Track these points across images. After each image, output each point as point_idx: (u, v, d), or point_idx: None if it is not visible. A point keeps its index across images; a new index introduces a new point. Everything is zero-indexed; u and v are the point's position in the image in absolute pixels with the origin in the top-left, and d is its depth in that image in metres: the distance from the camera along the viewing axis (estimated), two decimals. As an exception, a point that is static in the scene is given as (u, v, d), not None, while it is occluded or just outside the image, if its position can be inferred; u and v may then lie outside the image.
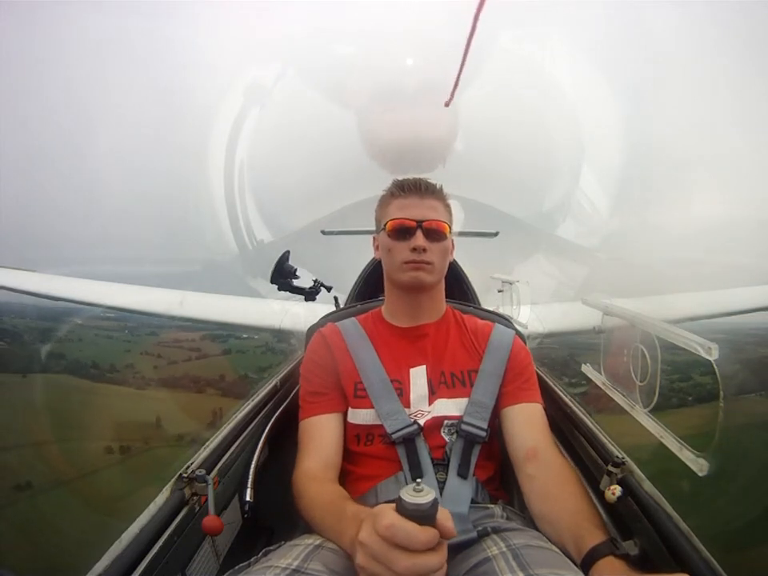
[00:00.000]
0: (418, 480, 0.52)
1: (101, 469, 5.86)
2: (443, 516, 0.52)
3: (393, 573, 0.51)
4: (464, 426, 0.92)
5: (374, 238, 1.08)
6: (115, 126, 6.10)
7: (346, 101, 4.71)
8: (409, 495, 0.51)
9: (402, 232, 0.96)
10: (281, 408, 1.24)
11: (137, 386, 8.09)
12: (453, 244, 1.04)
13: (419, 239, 0.94)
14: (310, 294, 1.93)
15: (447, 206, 1.02)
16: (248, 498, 0.94)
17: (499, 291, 2.60)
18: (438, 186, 1.02)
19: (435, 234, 0.96)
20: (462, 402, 0.95)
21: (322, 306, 1.99)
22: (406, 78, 4.48)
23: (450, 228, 0.99)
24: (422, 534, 0.50)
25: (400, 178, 1.03)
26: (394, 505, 0.53)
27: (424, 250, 0.94)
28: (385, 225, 0.99)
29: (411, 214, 0.96)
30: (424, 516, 0.51)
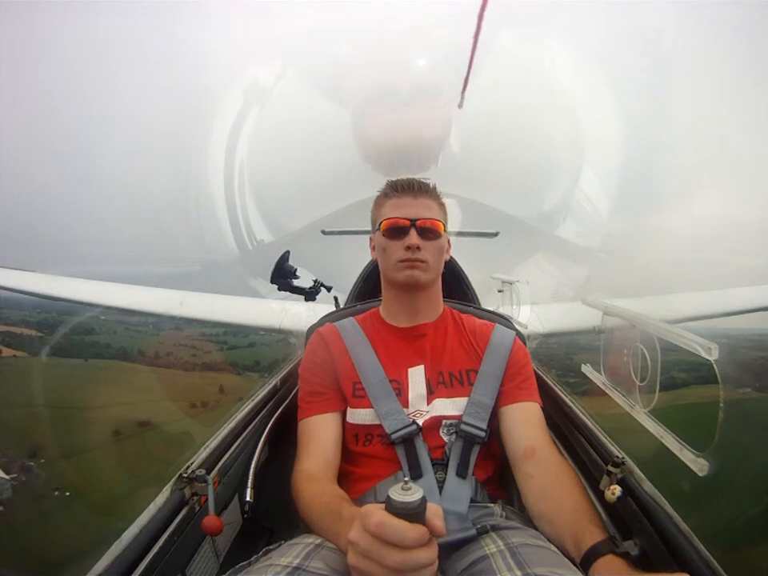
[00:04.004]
0: (406, 479, 0.52)
1: (194, 415, 8.05)
2: (433, 513, 0.52)
3: (384, 568, 0.51)
4: (463, 426, 0.92)
5: (370, 238, 1.08)
6: (114, 126, 6.09)
7: (346, 101, 4.71)
8: (397, 494, 0.51)
9: (396, 231, 0.96)
10: (281, 408, 1.24)
11: (183, 369, 9.82)
12: (449, 242, 1.05)
13: (413, 237, 0.94)
14: (310, 294, 1.93)
15: (442, 205, 1.02)
16: (248, 498, 0.94)
17: (499, 291, 2.60)
18: (431, 185, 1.02)
19: (429, 232, 0.96)
20: (460, 402, 0.95)
21: (322, 306, 1.99)
22: (405, 78, 4.48)
23: (444, 226, 1.00)
24: (411, 531, 0.50)
25: (394, 178, 1.03)
26: (382, 504, 0.53)
27: (418, 248, 0.94)
28: (379, 224, 0.99)
29: (405, 213, 0.96)
30: (413, 514, 0.51)
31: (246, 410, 1.13)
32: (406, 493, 0.51)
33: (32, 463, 6.41)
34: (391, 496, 0.51)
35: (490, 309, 1.50)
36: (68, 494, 6.13)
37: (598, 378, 1.27)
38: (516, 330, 1.16)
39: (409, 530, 0.50)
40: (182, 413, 8.00)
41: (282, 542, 0.75)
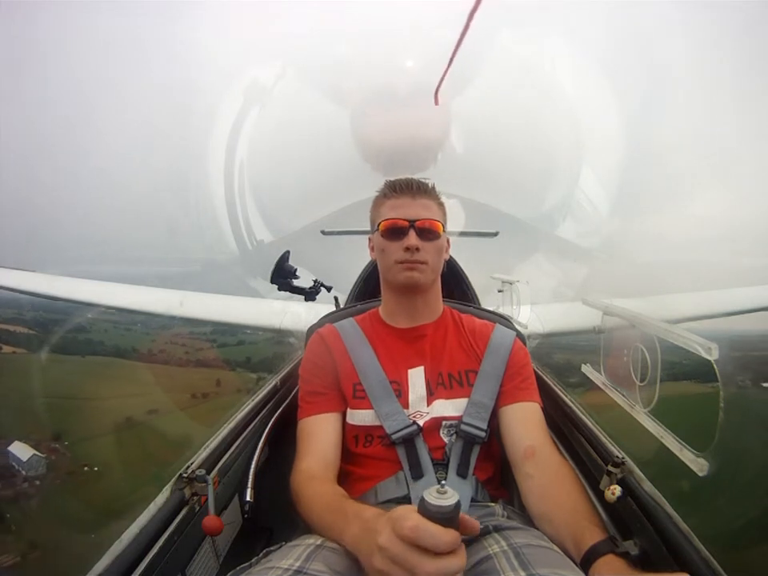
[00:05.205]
0: (443, 482, 0.52)
1: (196, 404, 8.85)
2: (464, 516, 0.52)
3: None
4: (463, 427, 0.92)
5: (369, 239, 1.08)
6: (114, 126, 6.09)
7: (346, 100, 4.71)
8: (432, 497, 0.50)
9: (394, 232, 0.96)
10: (281, 408, 1.24)
11: (177, 365, 10.38)
12: (448, 243, 1.04)
13: (412, 239, 0.94)
14: (309, 294, 1.92)
15: (441, 205, 1.02)
16: (248, 498, 0.94)
17: (499, 291, 2.60)
18: (430, 185, 1.01)
19: (428, 233, 0.96)
20: (460, 403, 0.95)
21: (322, 306, 1.99)
22: (405, 79, 4.48)
23: (443, 227, 0.99)
24: (446, 535, 0.50)
25: (393, 178, 1.03)
26: (415, 507, 0.52)
27: (417, 249, 0.94)
28: (378, 225, 0.99)
29: (404, 214, 0.96)
30: (447, 518, 0.50)
31: (246, 410, 1.13)
32: (442, 496, 0.50)
33: (57, 445, 7.23)
34: (426, 499, 0.50)
35: (490, 309, 1.50)
36: (96, 468, 6.99)
37: (598, 378, 1.27)
38: (516, 330, 1.16)
39: (444, 535, 0.49)
40: (185, 402, 8.82)
41: (283, 543, 0.74)
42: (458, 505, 0.50)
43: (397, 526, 0.52)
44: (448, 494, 0.50)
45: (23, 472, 6.50)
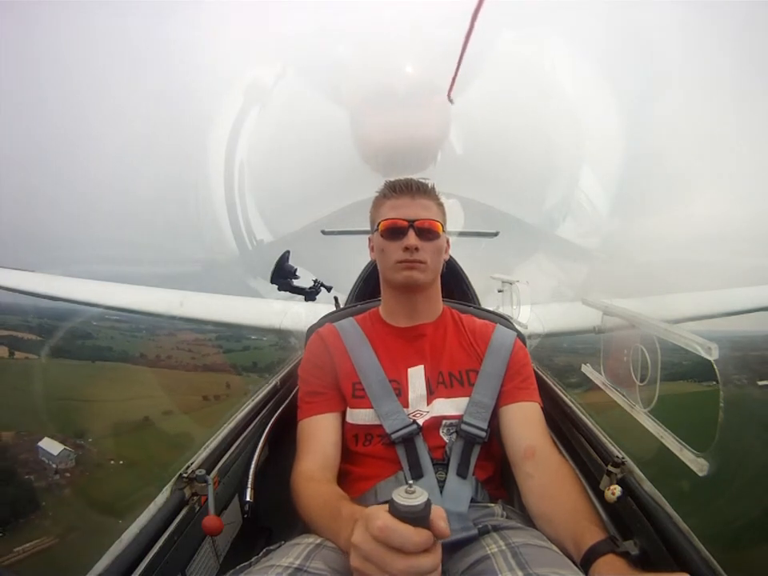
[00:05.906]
0: (410, 482, 0.52)
1: (208, 405, 9.32)
2: (437, 515, 0.52)
3: (387, 575, 0.51)
4: (464, 426, 0.92)
5: (369, 239, 1.08)
6: (115, 127, 6.10)
7: (345, 101, 4.72)
8: (401, 497, 0.50)
9: (394, 232, 0.96)
10: (281, 408, 1.24)
11: (185, 369, 10.79)
12: (448, 242, 1.04)
13: (411, 238, 0.94)
14: (310, 294, 1.92)
15: (440, 205, 1.02)
16: (248, 498, 0.94)
17: (499, 291, 2.60)
18: (430, 186, 1.02)
19: (428, 233, 0.96)
20: (460, 402, 0.95)
21: (323, 306, 1.99)
22: (404, 79, 4.48)
23: (443, 227, 0.99)
24: (415, 535, 0.50)
25: (393, 179, 1.03)
26: (386, 506, 0.52)
27: (416, 249, 0.94)
28: (378, 225, 0.99)
29: (403, 214, 0.96)
30: (417, 518, 0.50)
31: (246, 410, 1.13)
32: (411, 496, 0.50)
33: (82, 442, 7.76)
34: (395, 499, 0.51)
35: (490, 309, 1.50)
36: (121, 462, 7.59)
37: (597, 378, 1.27)
38: (516, 330, 1.16)
39: (413, 535, 0.50)
40: (198, 404, 9.39)
41: (282, 542, 0.74)
42: (427, 504, 0.50)
43: (368, 526, 0.52)
44: (417, 493, 0.51)
45: (54, 465, 6.93)
